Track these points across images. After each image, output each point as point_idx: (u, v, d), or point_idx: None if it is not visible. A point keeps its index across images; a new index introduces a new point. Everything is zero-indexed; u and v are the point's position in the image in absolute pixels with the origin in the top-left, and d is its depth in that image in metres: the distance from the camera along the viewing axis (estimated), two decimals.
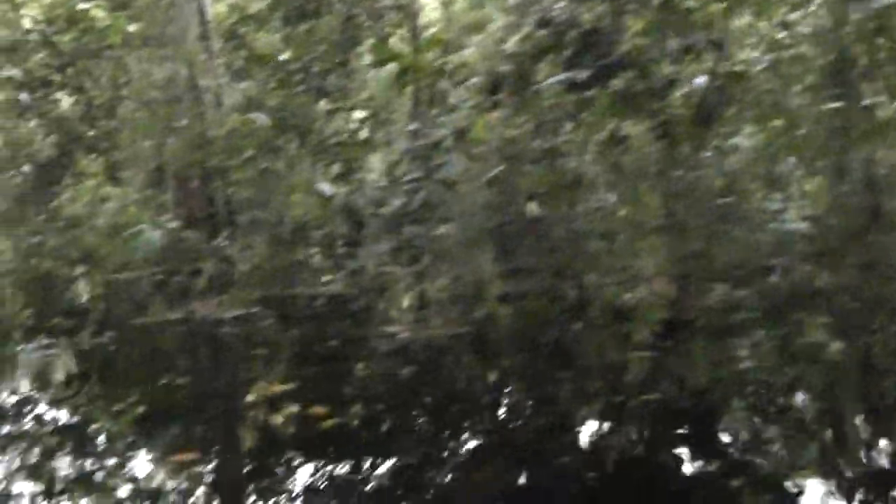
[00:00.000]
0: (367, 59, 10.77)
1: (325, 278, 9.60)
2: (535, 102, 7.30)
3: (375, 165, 10.69)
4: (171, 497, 4.09)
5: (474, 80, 7.80)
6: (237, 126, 11.66)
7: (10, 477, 4.40)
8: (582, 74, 6.84)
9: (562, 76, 7.04)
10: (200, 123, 12.46)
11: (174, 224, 9.93)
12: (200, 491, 4.12)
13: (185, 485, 4.18)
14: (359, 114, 11.39)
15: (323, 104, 10.94)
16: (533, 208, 7.57)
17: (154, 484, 4.29)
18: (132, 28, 15.66)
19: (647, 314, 7.50)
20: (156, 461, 4.70)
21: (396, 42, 10.31)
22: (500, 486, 3.80)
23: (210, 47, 12.83)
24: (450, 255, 7.71)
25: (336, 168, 11.30)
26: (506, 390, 5.87)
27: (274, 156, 11.51)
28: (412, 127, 8.65)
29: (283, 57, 10.84)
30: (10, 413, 6.01)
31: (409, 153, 8.22)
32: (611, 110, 7.28)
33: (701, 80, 7.39)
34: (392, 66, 8.09)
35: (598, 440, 4.50)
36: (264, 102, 11.42)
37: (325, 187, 8.94)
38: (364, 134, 11.03)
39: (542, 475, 3.90)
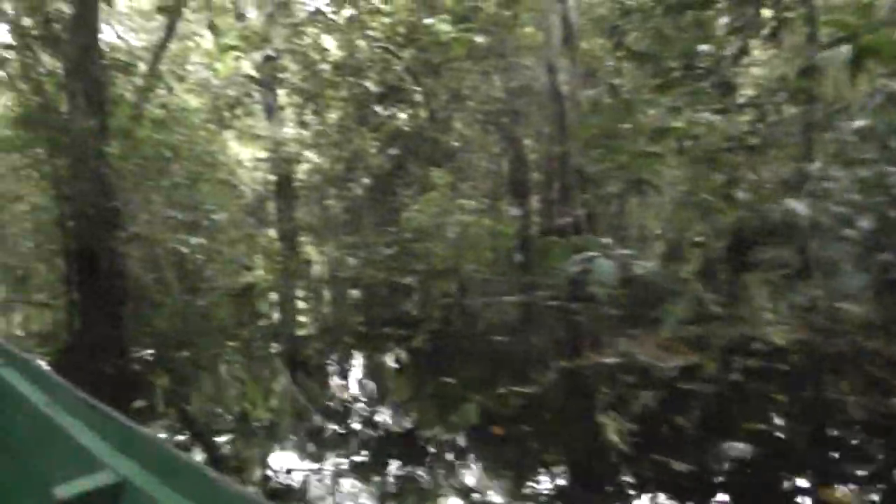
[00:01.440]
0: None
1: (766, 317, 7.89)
2: None
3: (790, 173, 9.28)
4: None
5: None
6: (607, 131, 10.79)
7: (338, 477, 4.46)
8: None
9: None
10: (562, 131, 11.76)
11: (627, 251, 8.50)
12: None
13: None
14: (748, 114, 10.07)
15: (709, 103, 9.76)
16: None
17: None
18: (478, 39, 15.34)
19: None
20: (486, 473, 4.59)
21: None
22: None
23: (573, 52, 12.16)
24: None
25: (720, 177, 10.06)
26: None
27: (648, 164, 10.49)
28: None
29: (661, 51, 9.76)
30: (340, 413, 5.96)
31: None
32: None
33: None
34: (846, 48, 6.78)
35: None
36: (640, 104, 10.47)
37: (795, 204, 7.38)
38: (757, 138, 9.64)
39: None
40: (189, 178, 13.19)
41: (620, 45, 10.52)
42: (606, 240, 8.48)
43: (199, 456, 4.96)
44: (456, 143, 17.10)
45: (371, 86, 17.96)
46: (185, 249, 11.82)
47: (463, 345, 8.75)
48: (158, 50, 13.53)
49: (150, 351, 8.66)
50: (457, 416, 5.82)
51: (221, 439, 5.41)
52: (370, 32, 17.74)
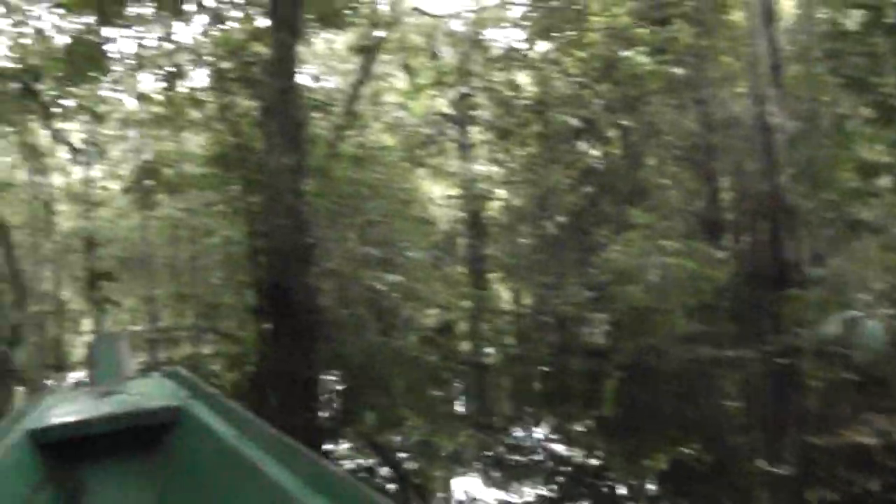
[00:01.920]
0: None
1: None
2: None
3: None
4: None
5: None
6: (817, 166, 10.13)
7: None
8: None
9: None
10: (771, 165, 11.13)
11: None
12: None
13: None
14: None
15: None
16: None
17: None
18: (676, 71, 14.92)
19: None
20: None
21: None
22: None
23: (781, 80, 11.53)
24: None
25: None
26: None
27: (862, 202, 9.76)
28: None
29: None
30: (527, 446, 5.94)
31: None
32: None
33: None
34: None
35: None
36: (855, 137, 9.76)
37: None
38: None
39: None
40: (384, 216, 13.35)
41: (834, 72, 9.83)
42: (864, 296, 7.52)
43: (384, 472, 5.07)
44: (651, 180, 16.62)
45: (565, 121, 17.76)
46: (381, 287, 11.89)
47: (661, 394, 8.31)
48: (355, 90, 13.85)
49: (338, 381, 8.74)
50: (651, 464, 5.59)
51: (408, 465, 5.45)
52: (565, 67, 17.58)
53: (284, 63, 10.59)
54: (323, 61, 16.41)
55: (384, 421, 7.05)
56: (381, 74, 18.88)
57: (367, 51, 13.83)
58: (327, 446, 5.52)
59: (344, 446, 6.01)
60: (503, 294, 20.45)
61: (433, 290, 14.83)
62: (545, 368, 10.06)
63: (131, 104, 24.14)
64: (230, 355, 11.02)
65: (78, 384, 4.76)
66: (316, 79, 13.81)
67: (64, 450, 3.31)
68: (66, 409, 3.62)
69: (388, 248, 13.12)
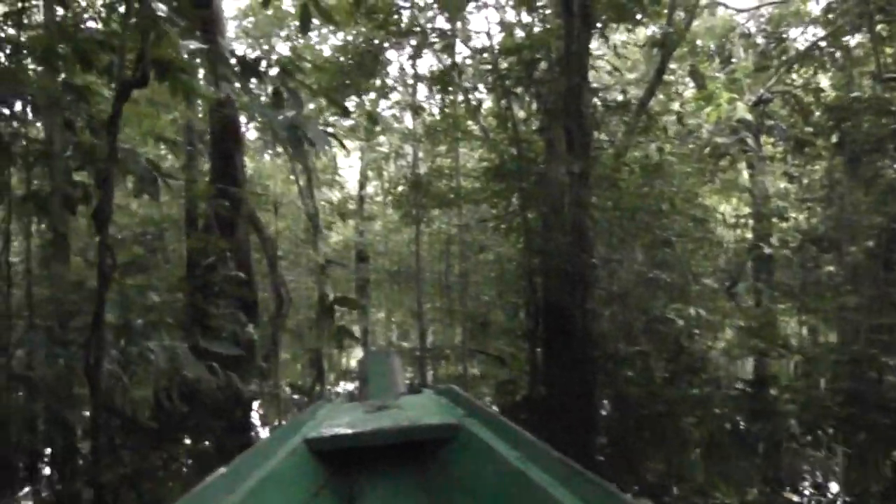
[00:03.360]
0: None
1: None
2: None
3: None
4: None
5: None
6: None
7: None
8: None
9: None
10: None
11: None
12: None
13: None
14: None
15: None
16: None
17: None
18: None
19: None
20: None
21: None
22: None
23: None
24: None
25: None
26: None
27: None
28: None
29: None
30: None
31: None
32: None
33: None
34: None
35: None
36: None
37: None
38: None
39: None
40: (677, 235, 12.47)
41: None
42: None
43: None
44: None
45: (869, 130, 16.32)
46: (675, 319, 10.93)
47: None
48: (649, 91, 13.29)
49: (616, 422, 8.17)
50: None
51: None
52: (873, 67, 16.15)
53: (575, 59, 10.15)
54: (614, 60, 15.91)
55: (666, 474, 6.57)
56: (671, 78, 18.16)
57: (664, 46, 13.13)
58: None
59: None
60: (793, 330, 19.05)
61: (735, 328, 13.59)
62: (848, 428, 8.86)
63: (408, 118, 25.00)
64: (499, 378, 10.67)
65: (350, 397, 4.83)
66: (615, 71, 13.27)
67: (339, 459, 3.51)
68: (340, 420, 3.84)
69: (680, 272, 12.23)
